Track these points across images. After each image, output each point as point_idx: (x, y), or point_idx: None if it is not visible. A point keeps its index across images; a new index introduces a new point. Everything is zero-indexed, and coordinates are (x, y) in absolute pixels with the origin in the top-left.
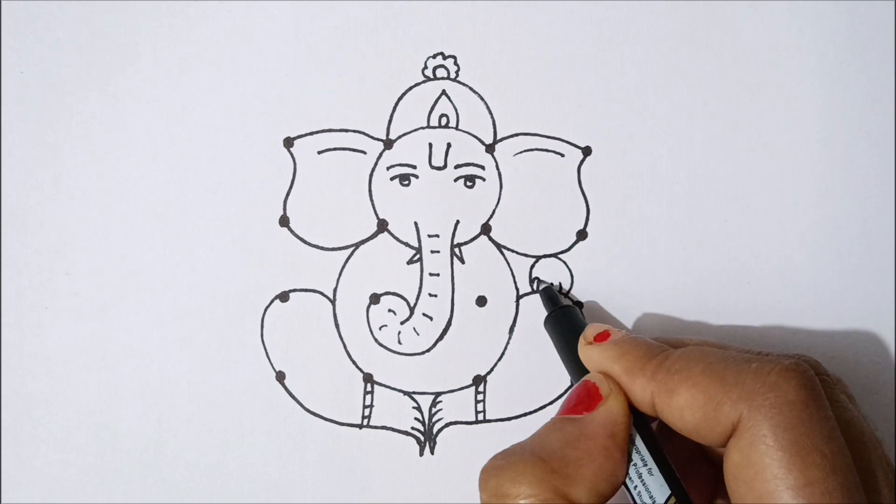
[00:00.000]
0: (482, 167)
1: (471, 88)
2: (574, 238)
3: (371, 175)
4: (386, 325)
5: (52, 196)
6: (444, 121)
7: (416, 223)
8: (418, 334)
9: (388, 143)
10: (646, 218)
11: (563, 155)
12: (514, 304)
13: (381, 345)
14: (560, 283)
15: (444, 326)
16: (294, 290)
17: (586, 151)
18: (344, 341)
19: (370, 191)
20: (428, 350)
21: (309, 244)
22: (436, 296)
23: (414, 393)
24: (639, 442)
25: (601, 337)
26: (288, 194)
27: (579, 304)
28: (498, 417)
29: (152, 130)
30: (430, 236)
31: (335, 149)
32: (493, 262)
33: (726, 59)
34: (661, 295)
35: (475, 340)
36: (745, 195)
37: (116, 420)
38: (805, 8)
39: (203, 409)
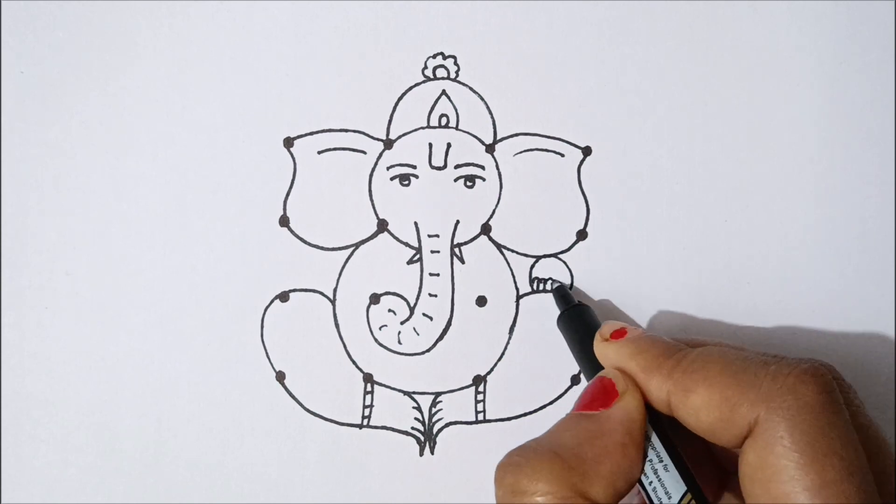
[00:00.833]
0: (482, 167)
1: (471, 88)
2: (574, 238)
3: (371, 175)
4: (386, 325)
5: (52, 196)
6: (444, 121)
7: (416, 223)
8: (418, 334)
9: (388, 143)
10: (646, 218)
11: (563, 155)
12: (514, 304)
13: (381, 345)
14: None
15: (444, 326)
16: (294, 290)
17: (586, 151)
18: (344, 341)
19: (370, 191)
20: (428, 350)
21: (309, 244)
22: (436, 296)
23: (414, 393)
24: (654, 438)
25: (618, 334)
26: (288, 194)
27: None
28: (498, 417)
29: (152, 130)
30: (430, 236)
31: (335, 149)
32: (493, 262)
33: (726, 59)
34: (662, 295)
35: (475, 340)
36: (745, 195)
37: (116, 420)
38: (805, 8)
39: (203, 410)
